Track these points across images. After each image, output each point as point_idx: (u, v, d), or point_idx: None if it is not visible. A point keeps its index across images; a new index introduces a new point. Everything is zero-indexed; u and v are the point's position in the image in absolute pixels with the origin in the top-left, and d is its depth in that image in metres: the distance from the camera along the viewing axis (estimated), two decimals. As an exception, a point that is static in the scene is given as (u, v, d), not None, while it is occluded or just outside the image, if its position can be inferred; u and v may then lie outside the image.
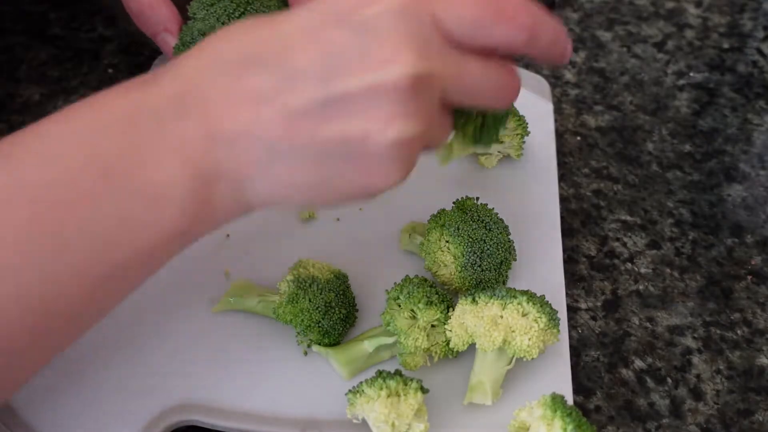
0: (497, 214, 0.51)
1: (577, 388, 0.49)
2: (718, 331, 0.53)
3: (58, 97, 0.65)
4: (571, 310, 0.53)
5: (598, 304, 0.54)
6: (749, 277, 0.56)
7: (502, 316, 0.45)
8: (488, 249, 0.49)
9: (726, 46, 0.75)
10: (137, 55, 0.69)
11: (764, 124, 0.67)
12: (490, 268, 0.49)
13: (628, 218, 0.59)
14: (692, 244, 0.58)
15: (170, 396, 0.45)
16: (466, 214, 0.50)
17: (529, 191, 0.58)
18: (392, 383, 0.42)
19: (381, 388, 0.42)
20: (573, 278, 0.55)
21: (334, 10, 0.35)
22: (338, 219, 0.55)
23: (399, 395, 0.42)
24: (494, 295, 0.45)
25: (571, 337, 0.51)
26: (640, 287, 0.55)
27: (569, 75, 0.71)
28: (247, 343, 0.48)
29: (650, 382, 0.50)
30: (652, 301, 0.54)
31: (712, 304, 0.54)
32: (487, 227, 0.50)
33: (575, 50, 0.73)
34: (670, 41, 0.75)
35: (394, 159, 0.35)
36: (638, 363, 0.51)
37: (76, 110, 0.36)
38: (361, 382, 0.43)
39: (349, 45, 0.34)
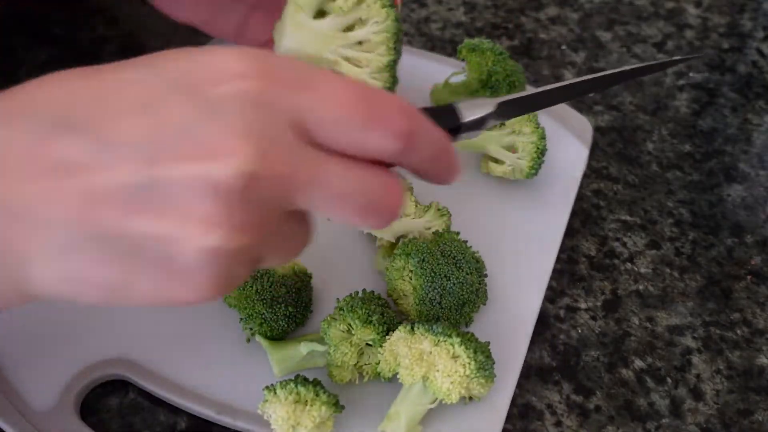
0: (475, 252, 0.50)
1: (577, 388, 0.49)
2: (718, 331, 0.53)
3: (59, 97, 0.65)
4: (571, 310, 0.53)
5: (598, 304, 0.54)
6: (749, 277, 0.56)
7: (431, 353, 0.43)
8: (451, 287, 0.47)
9: (726, 46, 0.75)
10: (137, 55, 0.69)
11: (764, 124, 0.67)
12: (450, 306, 0.47)
13: (628, 218, 0.59)
14: (692, 244, 0.58)
15: (109, 347, 0.47)
16: (439, 247, 0.48)
17: (530, 233, 0.55)
18: (303, 390, 0.42)
19: (290, 393, 0.42)
20: (573, 278, 0.55)
21: (182, 79, 0.30)
22: (329, 219, 0.54)
23: (306, 404, 0.42)
24: (431, 329, 0.44)
25: (571, 337, 0.52)
26: (640, 287, 0.55)
27: (569, 75, 0.71)
28: (198, 317, 0.49)
29: (650, 382, 0.50)
30: (652, 301, 0.54)
31: (712, 304, 0.54)
32: (458, 265, 0.48)
33: (575, 50, 0.73)
34: (670, 41, 0.75)
35: (208, 272, 0.29)
36: (638, 363, 0.51)
37: None
38: (277, 382, 0.43)
39: (186, 124, 0.28)
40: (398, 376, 0.44)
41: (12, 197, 0.29)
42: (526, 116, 0.55)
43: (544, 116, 0.58)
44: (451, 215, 0.52)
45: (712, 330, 0.53)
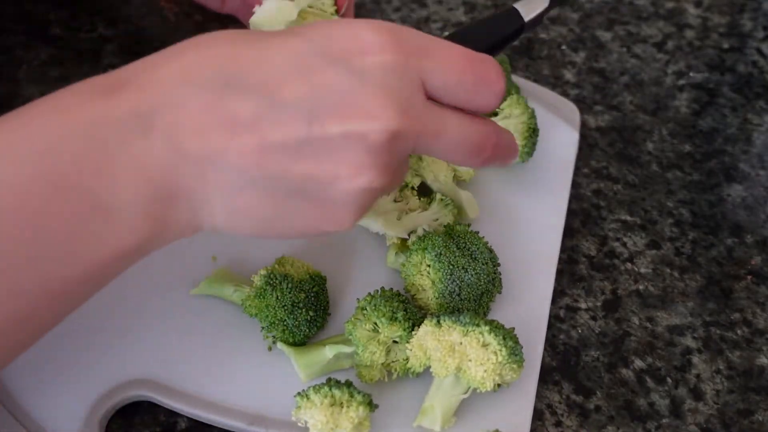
0: (487, 243, 0.50)
1: (577, 388, 0.49)
2: (718, 331, 0.53)
3: (58, 97, 0.65)
4: (571, 310, 0.53)
5: (598, 304, 0.54)
6: (749, 277, 0.56)
7: (461, 343, 0.44)
8: (469, 279, 0.47)
9: (726, 46, 0.75)
10: (137, 55, 0.69)
11: (764, 124, 0.67)
12: (469, 298, 0.47)
13: (628, 218, 0.59)
14: (692, 244, 0.58)
15: (129, 369, 0.46)
16: (453, 240, 0.49)
17: (533, 219, 0.56)
18: (337, 393, 0.42)
19: (325, 396, 0.42)
20: (573, 278, 0.55)
21: (331, 49, 0.35)
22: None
23: (342, 406, 0.42)
24: (458, 320, 0.44)
25: (571, 337, 0.52)
26: (640, 287, 0.55)
27: (569, 75, 0.71)
28: (217, 330, 0.48)
29: (650, 382, 0.50)
30: (652, 301, 0.54)
31: (712, 304, 0.54)
32: (473, 256, 0.48)
33: (575, 50, 0.73)
34: (670, 41, 0.75)
35: (354, 206, 0.36)
36: (638, 363, 0.51)
37: (34, 112, 0.35)
38: (309, 387, 0.43)
39: (341, 89, 0.34)
40: (431, 370, 0.44)
41: (194, 149, 0.34)
42: (514, 99, 0.57)
43: (531, 104, 0.59)
44: (453, 204, 0.53)
45: (712, 330, 0.53)
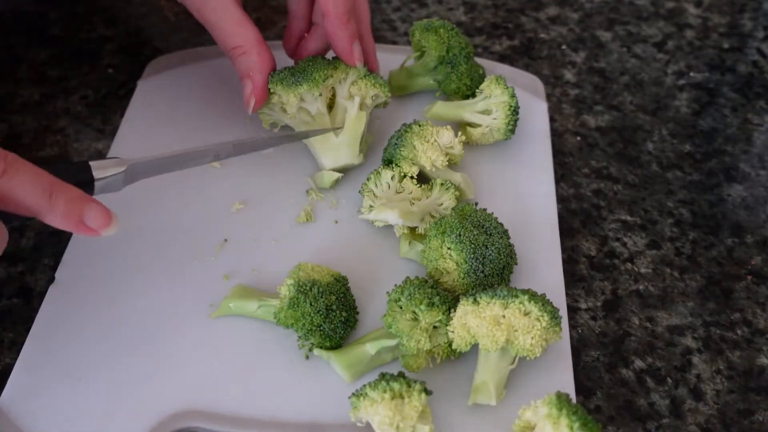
0: (497, 218, 0.51)
1: (578, 388, 0.49)
2: (718, 331, 0.53)
3: (58, 97, 0.65)
4: (571, 310, 0.53)
5: (598, 304, 0.54)
6: (749, 277, 0.56)
7: (504, 316, 0.45)
8: (490, 254, 0.48)
9: (726, 46, 0.75)
10: (137, 55, 0.69)
11: (764, 124, 0.67)
12: (492, 273, 0.49)
13: (628, 218, 0.59)
14: (692, 244, 0.58)
15: (171, 403, 0.45)
16: (467, 219, 0.50)
17: (526, 191, 0.58)
18: (396, 385, 0.42)
19: (385, 391, 0.42)
20: (573, 278, 0.55)
21: None
22: (336, 221, 0.55)
23: (403, 397, 0.42)
24: (496, 295, 0.45)
25: (571, 337, 0.51)
26: (640, 287, 0.55)
27: (569, 75, 0.71)
28: (248, 349, 0.48)
29: (650, 382, 0.50)
30: (652, 301, 0.54)
31: (712, 304, 0.54)
32: (488, 232, 0.49)
33: (575, 50, 0.73)
34: (670, 41, 0.75)
35: None
36: (638, 363, 0.51)
37: None
38: (364, 385, 0.43)
39: None
40: (480, 346, 0.45)
41: None
42: (493, 79, 0.59)
43: None
44: (455, 187, 0.54)
45: (712, 330, 0.53)
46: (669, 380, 0.50)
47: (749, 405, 0.49)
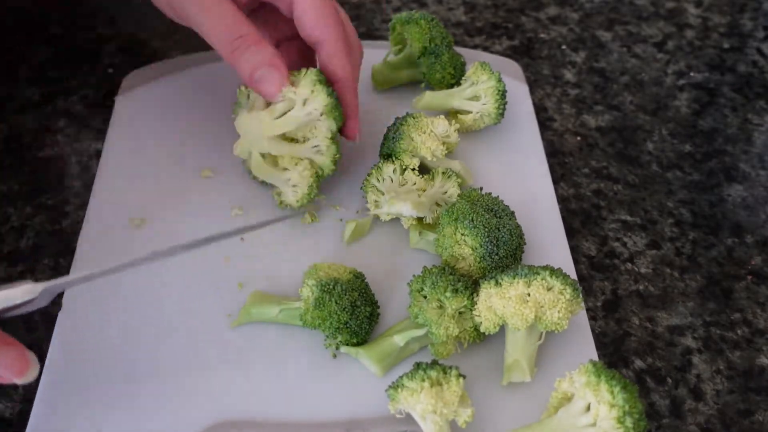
0: (502, 201, 0.52)
1: (577, 388, 0.49)
2: (718, 331, 0.53)
3: (58, 97, 0.65)
4: (571, 310, 0.53)
5: (598, 304, 0.54)
6: (749, 277, 0.56)
7: (529, 294, 0.45)
8: (503, 236, 0.49)
9: (726, 46, 0.75)
10: (137, 55, 0.69)
11: (764, 124, 0.67)
12: (506, 254, 0.49)
13: (628, 218, 0.59)
14: (692, 244, 0.58)
15: (206, 417, 0.45)
16: (476, 204, 0.50)
17: (522, 172, 0.58)
18: (433, 373, 0.42)
19: (423, 380, 0.42)
20: (573, 278, 0.55)
21: None
22: (341, 220, 0.55)
23: (441, 384, 0.42)
24: (517, 274, 0.46)
25: (571, 337, 0.52)
26: (640, 287, 0.55)
27: (569, 75, 0.71)
28: (275, 354, 0.48)
29: (650, 382, 0.50)
30: (652, 301, 0.54)
31: (712, 304, 0.54)
32: (498, 215, 0.50)
33: (575, 50, 0.73)
34: (670, 41, 0.75)
35: None
36: (638, 363, 0.51)
37: None
38: (400, 377, 0.43)
39: None
40: (509, 325, 0.45)
41: None
42: (478, 65, 0.60)
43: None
44: (456, 174, 0.54)
45: (712, 330, 0.53)
46: (669, 380, 0.50)
47: (749, 405, 0.49)
